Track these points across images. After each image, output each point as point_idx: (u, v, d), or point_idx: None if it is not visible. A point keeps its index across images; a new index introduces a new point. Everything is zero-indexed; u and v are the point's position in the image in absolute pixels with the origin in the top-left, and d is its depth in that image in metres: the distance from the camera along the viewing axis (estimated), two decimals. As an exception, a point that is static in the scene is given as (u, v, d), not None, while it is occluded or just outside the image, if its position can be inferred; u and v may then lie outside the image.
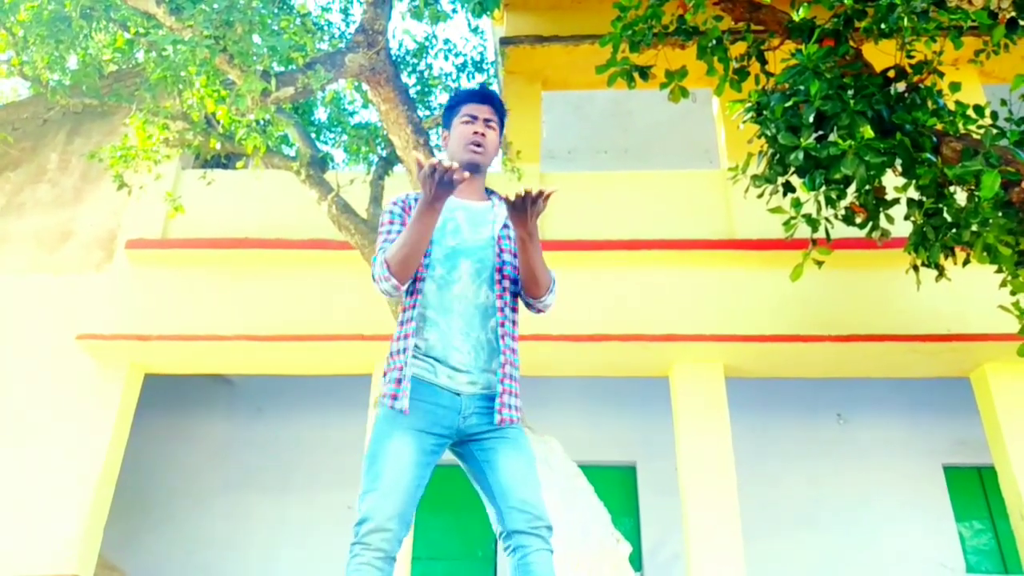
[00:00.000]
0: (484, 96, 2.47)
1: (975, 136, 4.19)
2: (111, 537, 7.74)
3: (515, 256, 2.37)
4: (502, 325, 2.33)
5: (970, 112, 4.23)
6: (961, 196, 4.78)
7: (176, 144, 6.64)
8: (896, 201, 4.49)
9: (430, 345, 2.29)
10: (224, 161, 9.41)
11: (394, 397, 2.22)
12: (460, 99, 2.49)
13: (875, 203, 4.51)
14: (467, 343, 2.30)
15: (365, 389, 7.52)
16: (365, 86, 5.79)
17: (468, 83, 7.79)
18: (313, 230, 7.33)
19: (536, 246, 2.24)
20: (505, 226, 2.42)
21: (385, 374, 2.32)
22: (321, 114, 8.47)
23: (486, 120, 2.43)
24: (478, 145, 2.40)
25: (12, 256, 7.87)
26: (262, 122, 6.64)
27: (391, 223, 2.37)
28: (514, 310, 2.41)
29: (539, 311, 2.42)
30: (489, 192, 2.53)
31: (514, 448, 2.25)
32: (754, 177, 4.50)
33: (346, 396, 8.68)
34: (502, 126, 2.51)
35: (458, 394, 2.27)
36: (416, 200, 2.40)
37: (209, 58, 4.58)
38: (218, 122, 6.43)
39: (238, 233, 7.58)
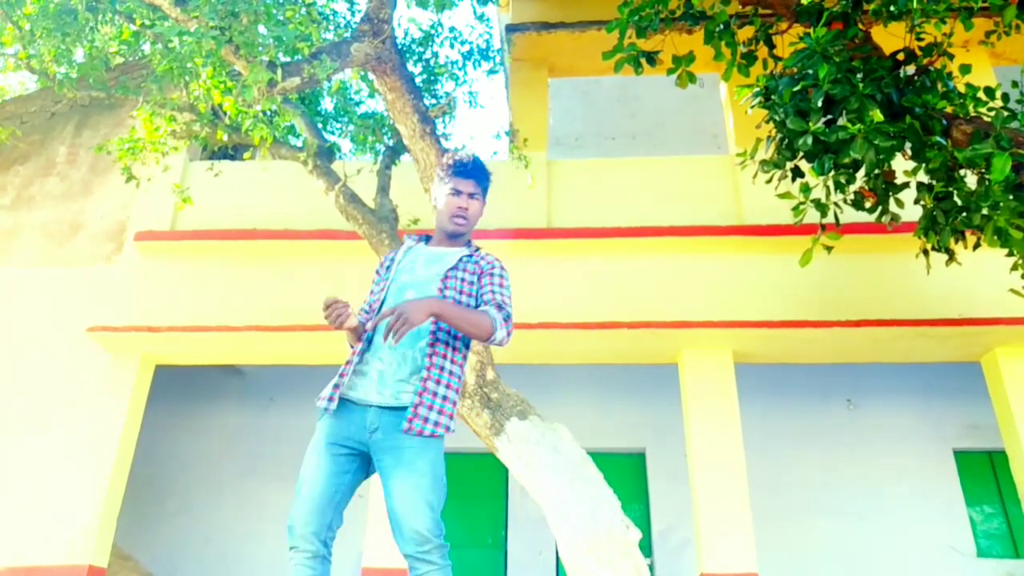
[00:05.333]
0: (468, 171, 2.76)
1: (986, 119, 4.15)
2: (125, 527, 7.82)
3: (460, 292, 2.63)
4: (432, 345, 2.52)
5: (980, 94, 4.18)
6: (971, 179, 4.75)
7: (183, 136, 6.65)
8: (906, 185, 4.46)
9: (363, 359, 2.57)
10: (231, 152, 9.43)
11: (323, 399, 2.55)
12: (451, 171, 2.77)
13: (884, 187, 4.48)
14: (391, 355, 2.51)
15: (375, 378, 7.53)
16: (371, 75, 5.78)
17: (474, 71, 7.76)
18: (321, 220, 7.34)
19: (452, 319, 2.45)
20: (454, 267, 2.68)
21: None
22: (328, 104, 8.46)
23: (471, 194, 2.77)
24: (462, 218, 2.75)
25: (23, 249, 7.92)
26: (269, 113, 6.65)
27: (374, 282, 2.82)
28: (456, 338, 2.59)
29: (497, 344, 2.59)
30: (468, 243, 2.84)
31: (404, 466, 2.38)
32: (762, 162, 4.48)
33: (356, 385, 8.70)
34: (486, 191, 2.84)
35: (368, 406, 2.47)
36: (399, 251, 2.82)
37: (215, 49, 4.57)
38: (225, 113, 6.44)
39: (246, 224, 7.60)
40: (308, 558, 2.41)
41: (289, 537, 2.45)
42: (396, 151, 6.83)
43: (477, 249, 2.81)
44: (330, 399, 2.52)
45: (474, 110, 8.39)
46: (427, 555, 2.32)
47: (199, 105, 6.39)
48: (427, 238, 2.87)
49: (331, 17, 7.29)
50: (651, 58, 4.62)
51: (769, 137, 4.45)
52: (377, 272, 2.83)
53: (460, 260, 2.70)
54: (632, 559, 4.40)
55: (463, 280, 2.66)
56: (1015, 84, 4.55)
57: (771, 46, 4.69)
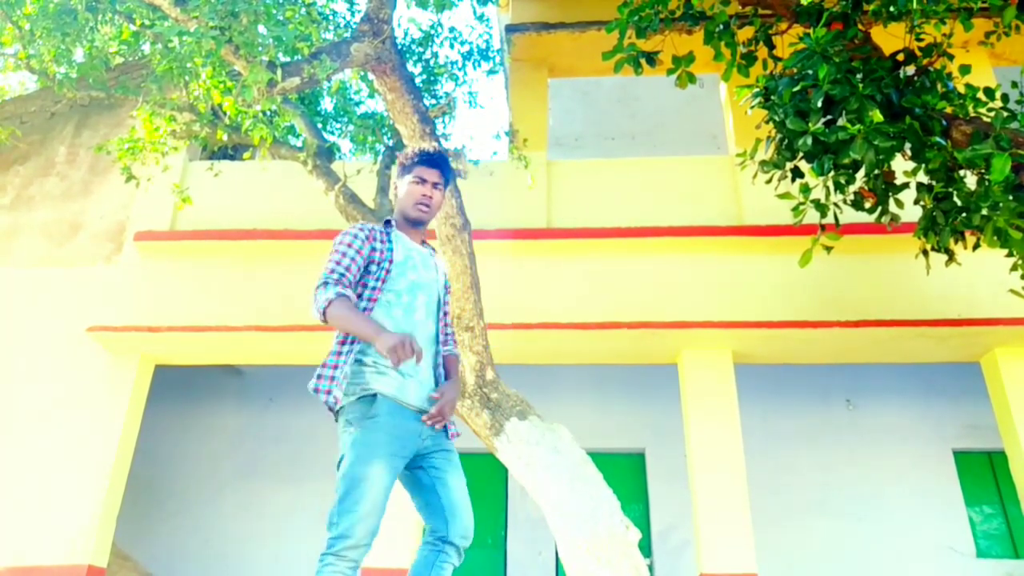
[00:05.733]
0: (435, 161, 2.80)
1: (985, 119, 4.15)
2: (124, 527, 7.81)
3: (444, 303, 2.82)
4: (439, 355, 2.73)
5: (980, 95, 4.18)
6: (971, 180, 4.75)
7: (183, 136, 6.65)
8: (905, 185, 4.46)
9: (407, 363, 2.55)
10: (231, 152, 9.43)
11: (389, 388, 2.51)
12: (415, 160, 2.81)
13: (884, 188, 4.48)
14: (426, 365, 2.63)
15: (374, 378, 7.53)
16: (371, 75, 5.77)
17: (474, 71, 7.76)
18: (320, 220, 7.33)
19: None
20: (444, 284, 2.84)
21: (331, 380, 2.55)
22: (327, 104, 8.45)
23: (434, 184, 2.79)
24: (426, 206, 2.77)
25: (22, 249, 7.91)
26: (268, 113, 6.65)
27: (350, 246, 2.61)
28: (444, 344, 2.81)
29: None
30: (423, 243, 2.89)
31: (457, 467, 2.63)
32: (762, 163, 4.48)
33: (355, 385, 8.70)
34: (447, 184, 2.87)
35: (420, 412, 2.55)
36: (381, 233, 2.71)
37: (215, 49, 4.57)
38: (224, 113, 6.44)
39: (246, 224, 7.59)
40: (352, 568, 2.34)
41: (338, 547, 2.32)
42: (396, 151, 6.83)
43: (433, 249, 2.94)
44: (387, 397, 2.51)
45: (474, 110, 8.39)
46: (465, 549, 2.54)
47: (199, 105, 6.39)
48: (388, 222, 2.83)
49: (331, 17, 7.28)
50: (651, 58, 4.63)
51: (769, 137, 4.45)
52: (354, 237, 2.64)
53: (443, 272, 2.87)
54: (632, 559, 4.40)
55: (447, 289, 2.87)
56: (1015, 84, 4.56)
57: (771, 46, 4.69)
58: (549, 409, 5.85)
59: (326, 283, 2.51)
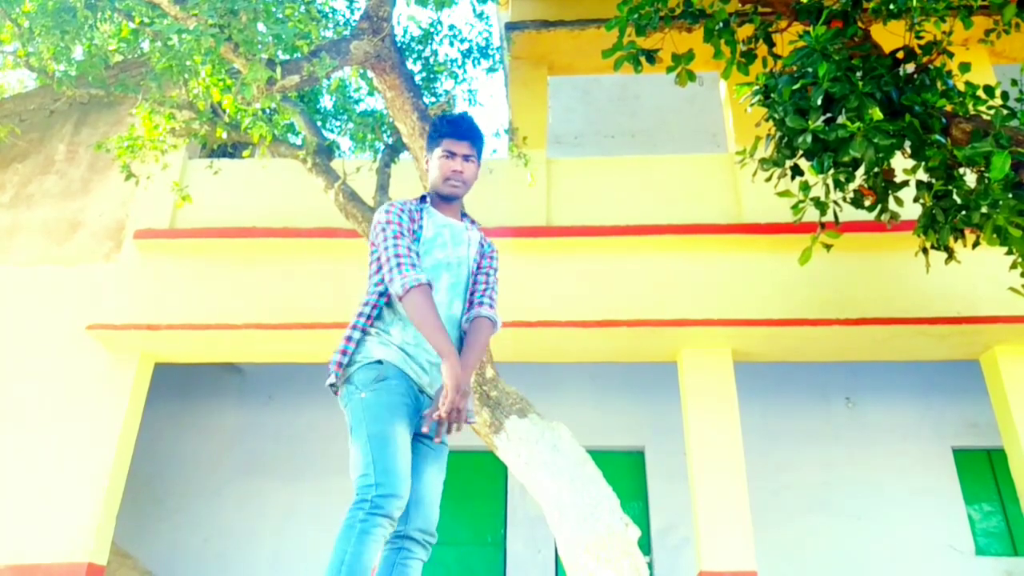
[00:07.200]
0: (465, 132, 2.64)
1: (985, 117, 4.15)
2: (124, 525, 7.82)
3: (478, 268, 2.66)
4: (462, 338, 2.54)
5: (980, 93, 4.18)
6: (971, 178, 4.74)
7: (182, 134, 6.65)
8: (905, 183, 4.46)
9: (405, 341, 2.45)
10: (230, 150, 9.42)
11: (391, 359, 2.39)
12: (441, 132, 2.65)
13: (884, 186, 4.49)
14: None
15: (374, 376, 7.54)
16: (370, 73, 5.77)
17: (474, 69, 7.76)
18: (320, 218, 7.33)
19: (476, 363, 2.49)
20: (480, 253, 2.68)
21: (346, 354, 2.43)
22: (327, 102, 8.44)
23: (465, 156, 2.62)
24: (457, 181, 2.61)
25: (22, 247, 7.91)
26: (268, 111, 6.64)
27: (400, 225, 2.49)
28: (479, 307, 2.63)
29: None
30: (463, 215, 2.74)
31: (438, 459, 2.50)
32: (762, 160, 4.48)
33: (355, 384, 8.70)
34: (480, 154, 2.69)
35: (421, 392, 2.46)
36: (414, 211, 2.59)
37: (214, 47, 4.57)
38: (224, 111, 6.43)
39: (246, 222, 7.59)
40: (389, 523, 2.17)
41: (383, 505, 2.14)
42: (395, 149, 6.83)
43: (473, 221, 2.77)
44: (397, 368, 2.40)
45: (473, 108, 8.36)
46: (428, 543, 2.41)
47: (198, 103, 6.39)
48: (423, 197, 2.73)
49: (330, 15, 7.28)
50: (650, 56, 4.62)
51: (768, 135, 4.45)
52: (396, 216, 2.53)
53: (480, 244, 2.69)
54: (631, 557, 4.41)
55: (479, 264, 2.67)
56: (1014, 82, 4.55)
57: (771, 44, 4.69)
58: (549, 407, 5.86)
59: (400, 264, 2.38)
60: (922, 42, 4.36)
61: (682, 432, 7.37)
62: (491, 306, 2.60)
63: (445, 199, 2.65)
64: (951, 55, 4.31)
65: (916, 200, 4.52)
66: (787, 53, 4.23)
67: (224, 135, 6.68)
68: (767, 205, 6.81)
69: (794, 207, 4.36)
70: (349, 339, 2.45)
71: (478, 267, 2.66)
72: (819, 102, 3.93)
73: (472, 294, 2.62)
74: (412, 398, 2.41)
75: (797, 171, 4.51)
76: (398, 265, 2.39)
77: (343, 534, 2.13)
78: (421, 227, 2.55)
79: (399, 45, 5.78)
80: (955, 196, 4.33)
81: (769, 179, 4.62)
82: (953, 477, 8.92)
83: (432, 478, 2.46)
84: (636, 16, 4.59)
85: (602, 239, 7.31)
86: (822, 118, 4.06)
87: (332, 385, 2.45)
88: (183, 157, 7.96)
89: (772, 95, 4.20)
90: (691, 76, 4.60)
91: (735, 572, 6.46)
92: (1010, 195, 3.92)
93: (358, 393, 2.35)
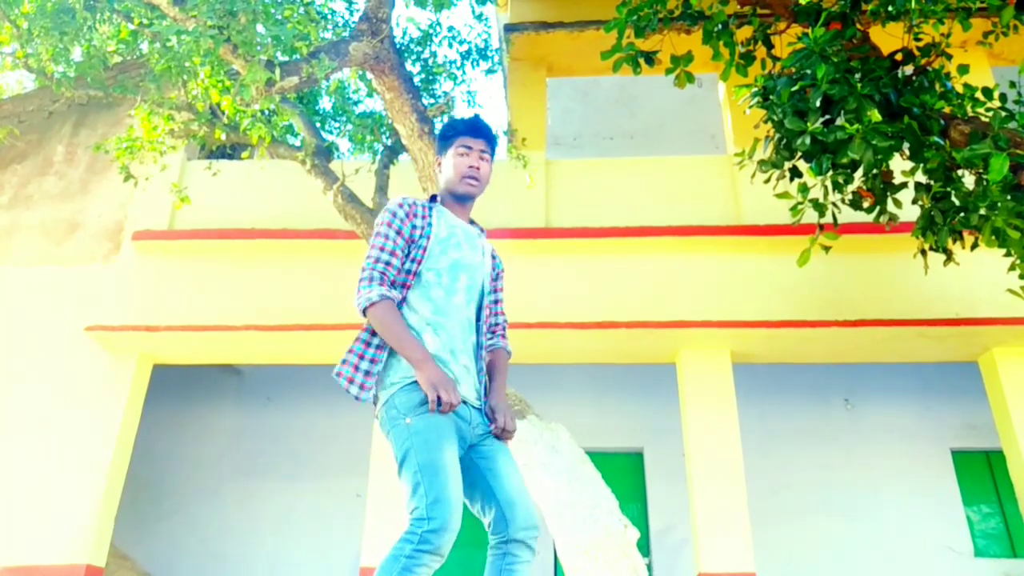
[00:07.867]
0: (479, 129, 2.57)
1: (983, 119, 4.16)
2: (122, 527, 7.81)
3: (493, 291, 2.61)
4: (477, 343, 2.47)
5: (978, 95, 4.19)
6: (969, 180, 4.76)
7: (181, 135, 6.64)
8: (904, 185, 4.47)
9: (438, 352, 2.32)
10: (229, 152, 9.42)
11: (444, 402, 2.20)
12: (456, 130, 2.58)
13: (882, 187, 4.49)
14: (465, 352, 2.40)
15: (373, 378, 7.54)
16: (369, 75, 5.77)
17: (473, 71, 7.76)
18: (319, 220, 7.33)
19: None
20: (493, 268, 2.63)
21: (355, 369, 2.32)
22: (326, 103, 8.45)
23: (480, 152, 2.54)
24: (474, 178, 2.52)
25: (20, 248, 7.90)
26: (267, 112, 6.64)
27: (391, 227, 2.41)
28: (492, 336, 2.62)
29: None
30: (471, 221, 2.65)
31: (508, 456, 2.40)
32: (761, 162, 4.48)
33: (354, 385, 8.70)
34: (493, 154, 2.62)
35: (465, 402, 2.33)
36: (423, 208, 2.49)
37: (213, 48, 4.57)
38: (223, 112, 6.43)
39: (244, 223, 7.59)
40: (436, 559, 2.09)
41: (432, 539, 2.06)
42: (394, 150, 6.83)
43: (482, 229, 2.67)
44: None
45: (472, 110, 8.36)
46: (534, 543, 2.32)
47: (197, 104, 6.38)
48: (433, 197, 2.64)
49: (329, 16, 7.28)
50: (649, 58, 4.63)
51: (767, 137, 4.45)
52: (396, 217, 2.43)
53: (491, 255, 2.64)
54: (630, 559, 4.41)
55: (493, 272, 2.64)
56: (1013, 84, 4.57)
57: (769, 46, 4.69)
58: (547, 408, 5.86)
59: (370, 279, 2.31)
60: (921, 44, 4.37)
61: (681, 433, 7.37)
62: (505, 336, 2.62)
63: (459, 200, 2.56)
64: (950, 57, 4.32)
65: (915, 202, 4.52)
66: (786, 55, 4.24)
67: (223, 136, 6.68)
68: (766, 206, 6.81)
69: (793, 209, 4.36)
70: (363, 355, 2.33)
71: (493, 288, 2.62)
72: (818, 104, 3.94)
73: (489, 317, 2.58)
74: (459, 415, 2.29)
75: (796, 173, 4.52)
76: (368, 279, 2.32)
77: (386, 564, 2.07)
78: (430, 224, 2.45)
79: (398, 46, 5.78)
80: (954, 198, 4.34)
81: (768, 181, 4.62)
82: (952, 478, 8.92)
83: (511, 473, 2.34)
84: (635, 18, 4.59)
85: (601, 240, 7.31)
86: (821, 120, 4.06)
87: (354, 396, 2.32)
88: (182, 158, 7.96)
89: (771, 97, 4.21)
90: (690, 78, 4.60)
91: (734, 573, 6.46)
92: (1008, 197, 3.93)
93: (402, 419, 2.21)
